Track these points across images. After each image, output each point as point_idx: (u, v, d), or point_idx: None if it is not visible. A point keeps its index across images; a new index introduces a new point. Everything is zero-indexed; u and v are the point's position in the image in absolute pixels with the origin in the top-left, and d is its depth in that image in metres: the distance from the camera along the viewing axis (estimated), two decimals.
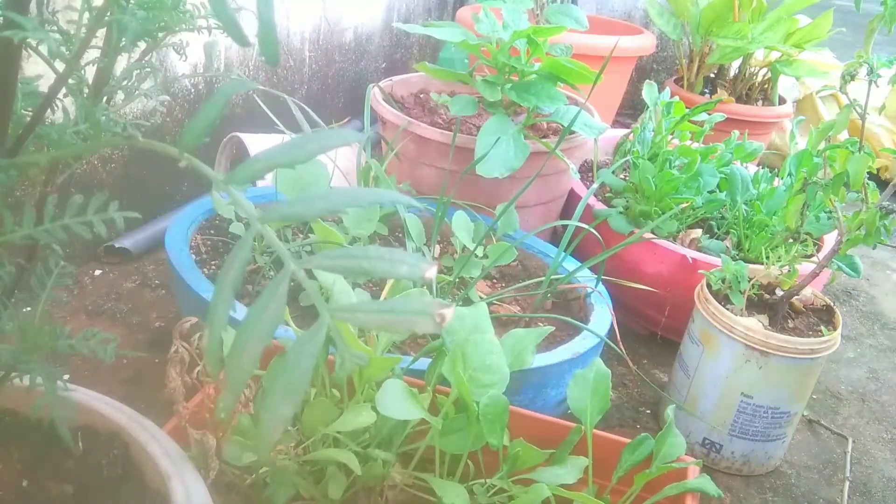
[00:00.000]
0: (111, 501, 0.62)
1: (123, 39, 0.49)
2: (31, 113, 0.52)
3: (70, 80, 0.50)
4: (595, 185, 1.45)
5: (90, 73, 0.53)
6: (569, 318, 1.18)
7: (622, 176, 1.68)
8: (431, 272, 0.34)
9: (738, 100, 2.45)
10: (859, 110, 1.11)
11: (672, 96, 1.64)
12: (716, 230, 1.53)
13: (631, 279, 1.32)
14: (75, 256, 1.44)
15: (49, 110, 0.51)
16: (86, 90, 0.53)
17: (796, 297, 1.22)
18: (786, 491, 1.22)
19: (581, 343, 1.10)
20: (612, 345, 1.15)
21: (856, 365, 1.60)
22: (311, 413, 0.80)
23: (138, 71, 0.57)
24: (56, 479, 0.62)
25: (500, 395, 0.84)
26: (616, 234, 1.42)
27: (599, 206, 1.52)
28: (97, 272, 1.46)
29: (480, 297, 1.25)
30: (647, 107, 1.65)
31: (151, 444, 0.64)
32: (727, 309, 1.17)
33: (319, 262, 0.35)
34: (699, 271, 1.26)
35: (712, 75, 2.51)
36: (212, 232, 1.30)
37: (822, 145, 1.18)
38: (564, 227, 1.32)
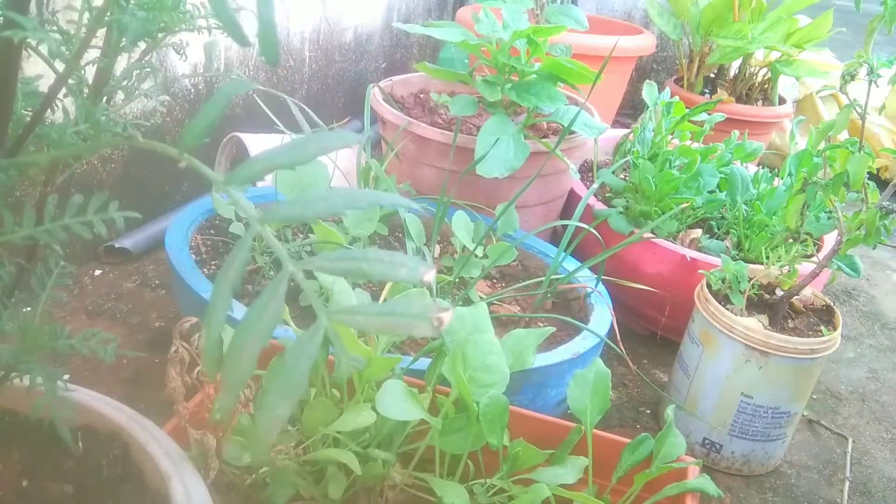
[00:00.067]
0: (111, 501, 0.62)
1: (123, 39, 0.49)
2: (31, 113, 0.52)
3: (70, 80, 0.50)
4: (595, 185, 1.45)
5: (90, 73, 0.53)
6: (569, 318, 1.18)
7: (622, 176, 1.68)
8: (430, 276, 0.34)
9: (738, 100, 2.45)
10: (859, 110, 1.11)
11: (672, 96, 1.64)
12: (716, 230, 1.53)
13: (631, 279, 1.32)
14: (75, 256, 1.44)
15: (49, 110, 0.51)
16: (86, 90, 0.53)
17: (796, 297, 1.22)
18: (786, 491, 1.22)
19: (581, 343, 1.10)
20: (612, 345, 1.15)
21: (856, 365, 1.60)
22: (311, 413, 0.80)
23: (138, 71, 0.57)
24: (56, 479, 0.62)
25: (500, 395, 0.84)
26: (616, 234, 1.42)
27: (599, 206, 1.52)
28: (97, 272, 1.46)
29: (480, 297, 1.25)
30: (647, 107, 1.65)
31: (151, 444, 0.64)
32: (727, 309, 1.17)
33: (319, 264, 0.35)
34: (699, 271, 1.26)
35: (712, 75, 2.51)
36: (212, 232, 1.30)
37: (822, 145, 1.18)
38: (564, 227, 1.32)
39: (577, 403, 0.93)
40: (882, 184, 2.37)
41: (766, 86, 2.47)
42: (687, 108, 1.62)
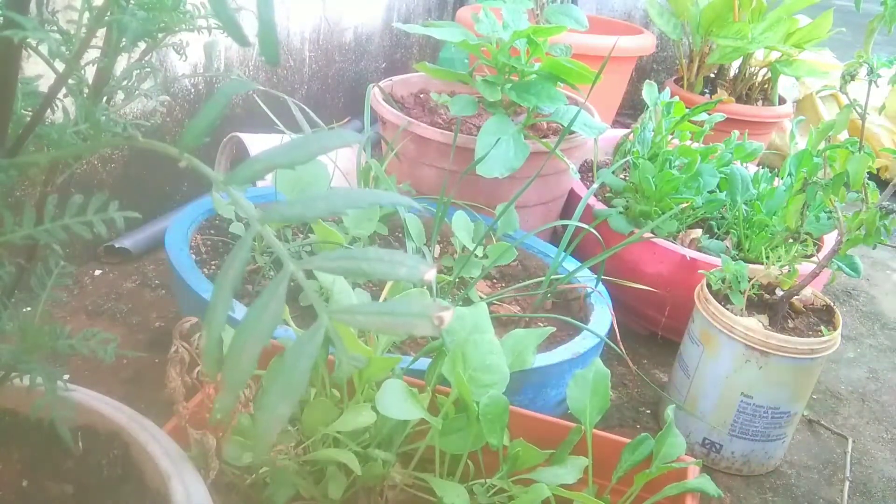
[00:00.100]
0: (111, 501, 0.62)
1: (123, 39, 0.49)
2: (31, 113, 0.52)
3: (70, 80, 0.50)
4: (595, 185, 1.45)
5: (90, 73, 0.53)
6: (569, 318, 1.18)
7: (622, 176, 1.68)
8: (430, 275, 0.34)
9: (738, 100, 2.45)
10: (859, 110, 1.11)
11: (672, 96, 1.64)
12: (716, 230, 1.53)
13: (631, 279, 1.32)
14: (75, 256, 1.44)
15: (49, 110, 0.51)
16: (86, 90, 0.53)
17: (796, 297, 1.22)
18: (786, 491, 1.22)
19: (581, 343, 1.10)
20: (612, 345, 1.15)
21: (856, 365, 1.60)
22: (311, 413, 0.80)
23: (138, 71, 0.57)
24: (56, 479, 0.62)
25: (500, 395, 0.84)
26: (616, 234, 1.42)
27: (599, 206, 1.52)
28: (97, 272, 1.46)
29: (480, 297, 1.25)
30: (647, 107, 1.65)
31: (151, 444, 0.64)
32: (727, 309, 1.17)
33: (319, 263, 0.35)
34: (699, 271, 1.26)
35: (712, 75, 2.51)
36: (212, 232, 1.30)
37: (822, 145, 1.18)
38: (564, 227, 1.32)
39: (576, 403, 0.93)
40: (882, 184, 2.37)
41: (766, 86, 2.48)
42: (687, 108, 1.62)
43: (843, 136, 1.82)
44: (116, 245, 1.48)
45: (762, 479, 1.24)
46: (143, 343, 1.29)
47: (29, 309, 0.58)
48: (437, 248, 1.36)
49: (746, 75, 2.46)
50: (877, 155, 1.70)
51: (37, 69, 0.57)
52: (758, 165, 1.68)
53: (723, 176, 1.51)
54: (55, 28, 0.51)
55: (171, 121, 1.58)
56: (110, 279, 1.45)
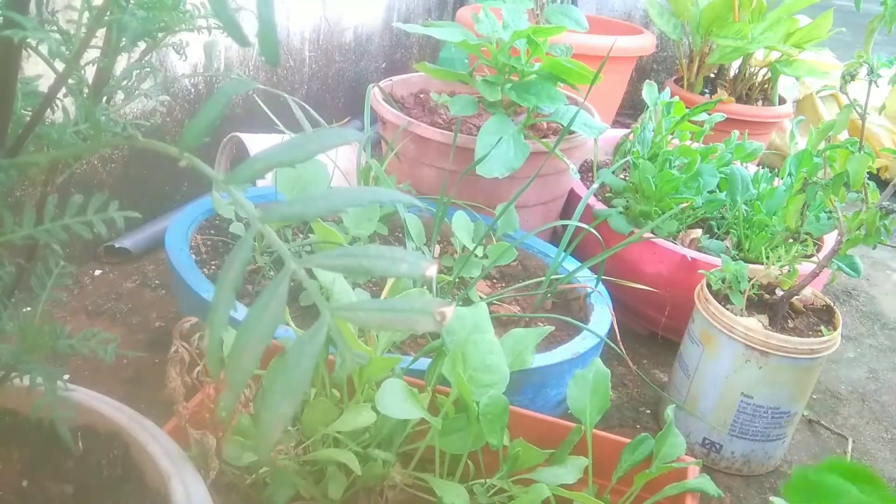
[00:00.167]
0: (111, 501, 0.62)
1: (123, 39, 0.49)
2: (31, 113, 0.52)
3: (70, 80, 0.50)
4: (595, 185, 1.45)
5: (90, 73, 0.53)
6: (569, 318, 1.18)
7: (622, 176, 1.68)
8: (431, 270, 0.34)
9: (738, 100, 2.45)
10: (859, 110, 1.11)
11: (672, 96, 1.64)
12: (716, 230, 1.53)
13: (631, 279, 1.32)
14: (75, 256, 1.44)
15: (49, 110, 0.51)
16: (86, 90, 0.53)
17: (796, 297, 1.22)
18: None
19: (581, 343, 1.10)
20: (612, 345, 1.15)
21: (856, 365, 1.60)
22: (311, 413, 0.80)
23: (138, 71, 0.57)
24: (56, 479, 0.62)
25: (500, 395, 0.84)
26: (616, 234, 1.42)
27: (599, 206, 1.52)
28: (97, 272, 1.46)
29: (480, 297, 1.25)
30: (647, 107, 1.65)
31: (151, 444, 0.64)
32: (727, 309, 1.17)
33: (320, 261, 0.35)
34: (699, 271, 1.26)
35: (712, 75, 2.51)
36: (212, 232, 1.30)
37: (822, 145, 1.18)
38: (564, 227, 1.32)
39: (576, 403, 0.93)
40: (882, 184, 2.37)
41: (766, 86, 2.48)
42: (687, 108, 1.62)
43: (843, 136, 1.82)
44: (116, 245, 1.48)
45: (762, 479, 1.24)
46: (143, 343, 1.29)
47: (29, 309, 0.58)
48: (437, 248, 1.36)
49: (746, 75, 2.46)
50: (877, 155, 1.70)
51: (37, 69, 0.57)
52: (758, 165, 1.68)
53: (723, 176, 1.51)
54: (55, 28, 0.51)
55: (171, 121, 1.58)
56: (110, 279, 1.45)
